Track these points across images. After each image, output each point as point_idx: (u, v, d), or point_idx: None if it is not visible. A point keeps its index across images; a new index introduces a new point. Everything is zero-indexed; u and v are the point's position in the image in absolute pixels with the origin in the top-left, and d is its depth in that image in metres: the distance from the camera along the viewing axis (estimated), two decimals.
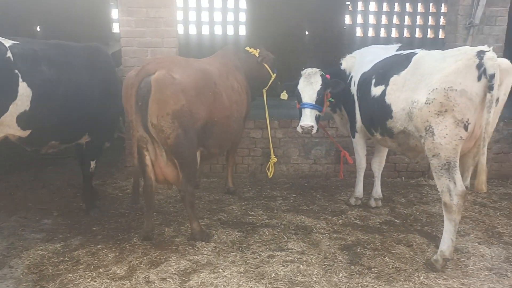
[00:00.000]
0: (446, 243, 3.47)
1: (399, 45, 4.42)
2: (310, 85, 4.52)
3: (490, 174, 5.69)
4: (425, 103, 3.38)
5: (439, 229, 4.19)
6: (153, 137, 3.58)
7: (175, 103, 3.44)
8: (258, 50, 5.22)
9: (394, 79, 3.78)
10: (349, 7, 10.90)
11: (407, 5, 10.65)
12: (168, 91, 3.40)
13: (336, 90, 4.56)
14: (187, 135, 3.54)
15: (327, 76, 4.58)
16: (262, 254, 3.73)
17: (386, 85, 3.84)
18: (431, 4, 10.54)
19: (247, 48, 5.28)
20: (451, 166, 3.36)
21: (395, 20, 10.93)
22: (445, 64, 3.36)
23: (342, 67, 4.76)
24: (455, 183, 3.36)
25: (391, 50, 4.34)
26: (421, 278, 3.39)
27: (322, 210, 4.75)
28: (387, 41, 10.81)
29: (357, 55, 4.69)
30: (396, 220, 4.53)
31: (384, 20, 11.00)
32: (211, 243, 3.91)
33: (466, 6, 5.31)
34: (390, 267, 3.55)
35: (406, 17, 10.82)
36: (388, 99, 3.81)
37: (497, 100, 3.28)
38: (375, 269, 3.52)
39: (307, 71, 4.59)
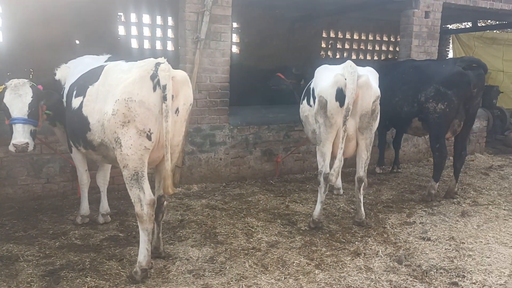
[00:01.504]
0: (142, 253, 3.48)
1: (108, 56, 4.36)
2: (18, 97, 4.05)
3: (230, 177, 6.23)
4: (112, 114, 3.34)
5: (164, 237, 4.26)
6: None
7: None
8: None
9: (89, 90, 3.66)
10: (122, 18, 10.68)
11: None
12: None
13: (50, 102, 4.22)
14: None
15: (39, 87, 4.21)
16: None
17: (84, 96, 3.70)
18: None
19: None
20: (139, 176, 3.39)
21: (170, 33, 11.16)
22: (129, 75, 3.38)
23: (57, 77, 4.45)
24: (144, 192, 3.40)
25: (100, 60, 4.24)
26: None
27: (41, 234, 4.32)
28: (163, 54, 11.00)
29: (72, 65, 4.44)
30: (120, 234, 4.42)
31: (159, 33, 11.15)
32: None
33: (192, 22, 5.63)
34: (86, 287, 3.37)
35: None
36: (85, 111, 3.66)
37: (178, 110, 3.46)
38: None
39: (13, 82, 4.10)
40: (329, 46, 13.12)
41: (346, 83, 4.20)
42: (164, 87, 3.25)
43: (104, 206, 4.65)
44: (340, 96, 4.27)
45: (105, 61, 4.16)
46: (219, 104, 6.00)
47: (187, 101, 3.53)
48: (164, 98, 3.26)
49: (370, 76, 4.38)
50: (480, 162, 8.08)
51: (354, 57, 13.50)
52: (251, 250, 4.15)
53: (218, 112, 6.02)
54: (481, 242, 4.47)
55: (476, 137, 8.55)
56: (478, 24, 13.67)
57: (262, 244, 4.29)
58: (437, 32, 7.48)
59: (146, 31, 10.99)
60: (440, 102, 5.34)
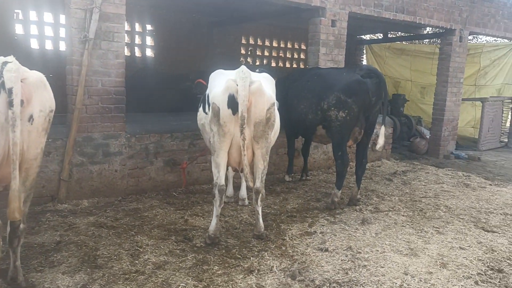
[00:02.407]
0: None
1: None
2: None
3: (128, 190, 5.73)
4: None
5: (33, 263, 3.70)
6: None
7: None
8: None
9: None
10: (19, 15, 9.69)
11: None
12: None
13: None
14: None
15: None
16: None
17: None
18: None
19: None
20: None
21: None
22: None
23: None
24: None
25: None
26: None
27: None
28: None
29: None
30: None
31: (63, 33, 10.28)
32: None
33: (79, 19, 5.10)
34: None
35: None
36: None
37: (32, 117, 2.97)
38: None
39: None
40: (249, 53, 13.02)
41: (238, 89, 3.95)
42: (10, 91, 2.75)
43: None
44: (232, 103, 4.01)
45: None
46: (113, 110, 5.49)
47: (44, 107, 3.04)
48: (10, 104, 2.76)
49: (264, 83, 4.17)
50: (385, 168, 8.31)
51: (273, 64, 13.55)
52: (133, 274, 3.71)
53: (113, 120, 5.51)
54: (377, 251, 4.42)
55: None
56: (389, 35, 14.38)
57: (148, 266, 3.87)
58: (343, 40, 7.58)
59: (49, 31, 10.10)
60: (341, 110, 5.31)
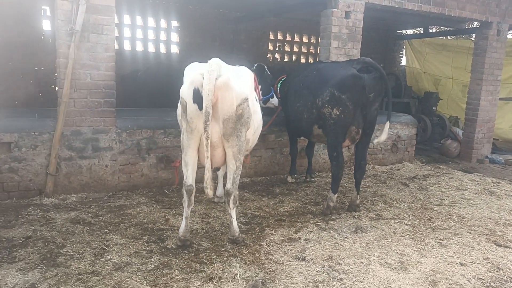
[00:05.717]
0: None
1: None
2: None
3: (119, 186, 5.64)
4: None
5: None
6: None
7: None
8: None
9: None
10: (47, 11, 9.96)
11: None
12: None
13: None
14: None
15: None
16: None
17: None
18: None
19: None
20: None
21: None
22: None
23: None
24: None
25: None
26: None
27: None
28: None
29: None
30: None
31: None
32: None
33: (66, 11, 5.03)
34: None
35: None
36: None
37: None
38: None
39: None
40: (277, 49, 12.67)
41: (203, 83, 3.69)
42: None
43: None
44: (198, 97, 3.76)
45: None
46: (103, 105, 5.41)
47: None
48: None
49: (235, 77, 3.88)
50: (405, 171, 7.69)
51: (303, 60, 13.12)
52: (88, 275, 3.56)
53: (102, 114, 5.43)
54: (362, 263, 3.99)
55: (404, 145, 8.17)
56: (430, 30, 13.47)
57: (107, 267, 3.70)
58: (359, 34, 7.07)
59: None
60: (335, 107, 4.89)
